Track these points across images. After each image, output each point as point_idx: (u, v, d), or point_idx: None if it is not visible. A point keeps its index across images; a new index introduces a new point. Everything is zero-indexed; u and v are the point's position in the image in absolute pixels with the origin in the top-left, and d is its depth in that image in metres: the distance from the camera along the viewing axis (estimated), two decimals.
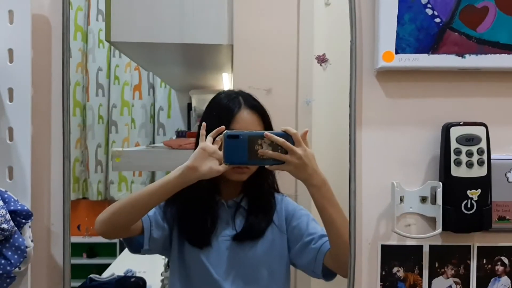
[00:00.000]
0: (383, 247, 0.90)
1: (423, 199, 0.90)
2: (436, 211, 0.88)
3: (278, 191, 1.16)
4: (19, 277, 0.85)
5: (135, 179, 3.37)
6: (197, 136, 1.05)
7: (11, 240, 0.81)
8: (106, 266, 2.21)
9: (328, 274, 1.03)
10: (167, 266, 1.74)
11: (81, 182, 3.33)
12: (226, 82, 2.48)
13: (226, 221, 1.10)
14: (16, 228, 0.81)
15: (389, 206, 0.90)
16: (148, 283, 1.76)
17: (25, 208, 0.83)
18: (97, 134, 3.14)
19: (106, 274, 1.88)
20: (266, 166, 0.91)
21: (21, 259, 0.81)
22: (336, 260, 0.99)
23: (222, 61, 1.94)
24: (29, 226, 0.85)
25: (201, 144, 0.95)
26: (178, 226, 1.11)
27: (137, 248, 1.09)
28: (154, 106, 3.31)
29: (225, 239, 1.08)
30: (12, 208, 0.81)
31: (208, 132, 1.04)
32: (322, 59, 1.10)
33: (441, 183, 0.87)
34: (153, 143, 3.34)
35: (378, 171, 0.90)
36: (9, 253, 0.80)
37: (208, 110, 1.12)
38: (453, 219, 0.87)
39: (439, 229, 0.87)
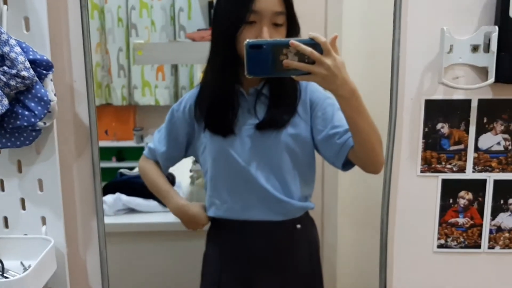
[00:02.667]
0: (428, 102, 0.84)
1: (475, 48, 0.81)
2: (489, 59, 0.80)
3: None
4: (45, 133, 0.82)
5: (158, 83, 3.34)
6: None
7: (33, 91, 0.77)
8: (135, 169, 2.24)
9: (347, 165, 1.00)
10: (194, 161, 1.75)
11: (104, 88, 3.31)
12: None
13: (247, 109, 1.06)
14: (37, 78, 0.77)
15: (436, 56, 0.82)
16: (177, 179, 1.78)
17: (45, 58, 0.78)
18: (117, 37, 3.06)
19: (136, 170, 1.90)
20: (292, 76, 0.82)
21: (45, 111, 0.77)
22: (359, 159, 0.96)
23: None
24: (51, 80, 0.80)
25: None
26: (203, 118, 1.08)
27: None
28: (174, 7, 3.18)
29: (248, 128, 1.05)
30: (31, 57, 0.76)
31: (223, 9, 0.97)
32: None
33: (496, 27, 0.78)
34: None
35: (425, 16, 0.81)
36: (32, 104, 0.77)
37: None
38: (508, 68, 0.79)
39: (491, 79, 0.80)
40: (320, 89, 1.08)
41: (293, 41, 0.77)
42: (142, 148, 3.80)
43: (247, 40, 0.80)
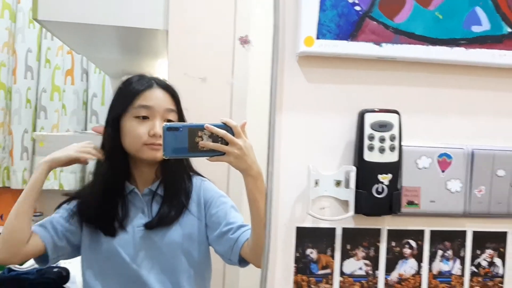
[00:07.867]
0: (298, 229, 0.92)
1: (338, 183, 0.92)
2: (349, 194, 0.90)
3: (195, 172, 1.16)
4: None
5: (63, 167, 3.22)
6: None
7: None
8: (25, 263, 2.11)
9: (243, 262, 1.05)
10: None
11: (2, 170, 3.15)
12: (161, 69, 2.44)
13: (141, 210, 1.09)
14: None
15: (305, 189, 0.91)
16: (72, 273, 1.71)
17: None
18: (23, 119, 2.99)
19: (27, 265, 1.81)
20: (206, 158, 0.90)
21: None
22: (254, 250, 1.01)
23: (158, 47, 1.91)
24: None
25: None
26: (91, 218, 1.09)
27: (45, 258, 1.08)
28: (88, 92, 3.19)
29: (140, 229, 1.07)
30: None
31: (116, 110, 1.05)
32: (244, 41, 1.09)
33: (354, 167, 0.89)
34: (85, 130, 3.22)
35: (296, 154, 0.91)
36: None
37: (120, 90, 1.11)
38: (365, 203, 0.90)
39: (351, 212, 0.90)
40: (214, 188, 1.15)
41: (208, 124, 0.86)
42: None
43: (165, 123, 0.87)
